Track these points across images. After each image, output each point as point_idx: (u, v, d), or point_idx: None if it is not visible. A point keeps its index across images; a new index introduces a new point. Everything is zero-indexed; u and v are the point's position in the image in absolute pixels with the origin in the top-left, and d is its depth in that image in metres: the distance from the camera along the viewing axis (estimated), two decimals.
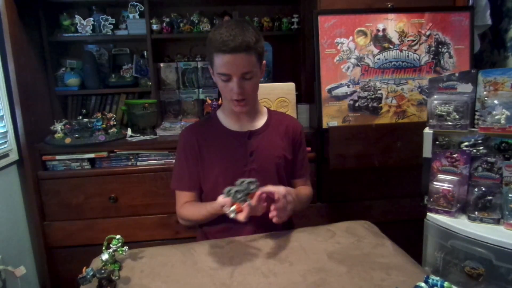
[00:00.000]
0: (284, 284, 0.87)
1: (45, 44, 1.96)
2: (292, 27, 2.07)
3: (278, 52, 2.21)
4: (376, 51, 1.74)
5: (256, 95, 1.20)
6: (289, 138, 1.23)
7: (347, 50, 1.73)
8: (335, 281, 0.87)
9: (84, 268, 0.87)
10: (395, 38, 1.74)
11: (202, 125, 1.24)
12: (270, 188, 1.01)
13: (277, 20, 2.09)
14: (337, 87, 1.74)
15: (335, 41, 1.72)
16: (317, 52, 1.71)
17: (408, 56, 1.75)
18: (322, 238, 1.09)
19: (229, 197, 0.96)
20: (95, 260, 1.00)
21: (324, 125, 1.74)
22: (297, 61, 2.18)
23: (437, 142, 1.16)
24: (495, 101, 1.03)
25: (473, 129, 1.10)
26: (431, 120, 1.18)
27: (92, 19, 1.96)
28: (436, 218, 1.10)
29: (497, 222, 1.01)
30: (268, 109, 1.28)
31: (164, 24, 2.01)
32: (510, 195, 0.99)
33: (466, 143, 1.10)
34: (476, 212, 1.04)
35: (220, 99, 2.03)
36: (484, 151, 1.07)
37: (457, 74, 1.14)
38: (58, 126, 1.81)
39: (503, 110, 1.01)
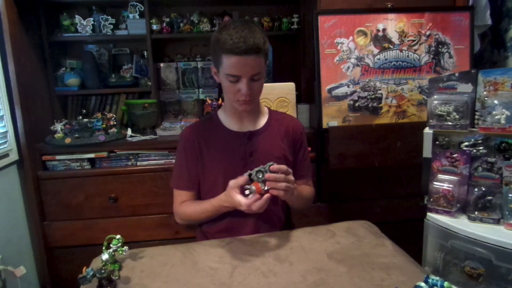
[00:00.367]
0: (284, 284, 0.87)
1: (45, 44, 1.96)
2: (292, 27, 2.07)
3: (278, 52, 2.21)
4: (376, 51, 1.74)
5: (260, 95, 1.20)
6: (289, 139, 1.23)
7: (347, 50, 1.73)
8: (335, 281, 0.87)
9: (84, 268, 0.87)
10: (395, 38, 1.74)
11: (203, 125, 1.24)
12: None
13: (277, 20, 2.09)
14: (337, 87, 1.74)
15: (335, 41, 1.72)
16: (317, 52, 1.71)
17: (408, 56, 1.75)
18: (322, 238, 1.09)
19: (250, 180, 0.99)
20: (95, 260, 1.00)
21: (324, 125, 1.74)
22: (297, 61, 2.19)
23: (437, 142, 1.16)
24: (495, 101, 1.03)
25: (473, 129, 1.10)
26: (431, 120, 1.18)
27: (92, 19, 1.96)
28: (436, 218, 1.10)
29: (497, 222, 1.01)
30: (269, 109, 1.27)
31: (164, 24, 2.01)
32: (510, 195, 0.99)
33: (466, 143, 1.10)
34: (476, 212, 1.04)
35: (220, 99, 2.03)
36: (484, 151, 1.06)
37: (457, 74, 1.14)
38: (58, 126, 1.81)
39: (503, 110, 1.01)
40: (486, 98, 1.06)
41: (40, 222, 1.78)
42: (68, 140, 1.75)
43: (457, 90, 1.14)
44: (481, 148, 1.07)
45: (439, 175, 1.12)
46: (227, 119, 1.20)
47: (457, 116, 1.12)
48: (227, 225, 1.17)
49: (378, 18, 1.73)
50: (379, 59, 1.74)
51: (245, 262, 0.97)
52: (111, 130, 1.87)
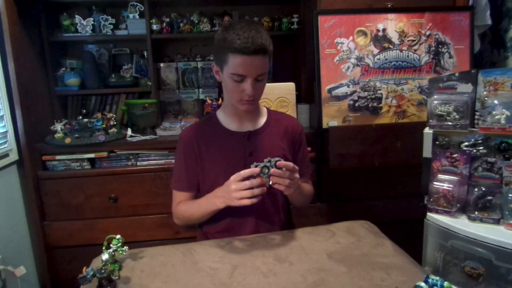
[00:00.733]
0: (284, 284, 0.87)
1: (45, 44, 1.96)
2: (292, 27, 2.07)
3: (278, 52, 2.19)
4: (376, 51, 1.74)
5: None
6: (289, 138, 1.23)
7: (347, 50, 1.73)
8: (335, 281, 0.87)
9: (84, 268, 0.87)
10: (395, 38, 1.74)
11: (202, 126, 1.24)
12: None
13: (277, 20, 2.09)
14: (337, 87, 1.74)
15: (335, 41, 1.72)
16: (317, 52, 1.71)
17: (408, 56, 1.75)
18: (322, 238, 1.09)
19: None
20: (95, 260, 1.00)
21: (324, 125, 1.74)
22: (297, 61, 2.19)
23: (437, 142, 1.16)
24: (495, 101, 1.03)
25: (473, 129, 1.10)
26: (431, 120, 1.18)
27: (92, 19, 1.96)
28: (436, 218, 1.10)
29: (497, 222, 1.01)
30: (268, 109, 1.28)
31: (164, 24, 2.01)
32: (510, 195, 0.99)
33: (466, 143, 1.10)
34: (476, 212, 1.04)
35: (220, 99, 2.03)
36: (484, 151, 1.06)
37: (457, 74, 1.14)
38: (58, 126, 1.81)
39: (503, 110, 1.01)
40: (486, 98, 1.06)
41: (40, 222, 1.78)
42: (68, 140, 1.75)
43: (457, 90, 1.14)
44: (481, 148, 1.07)
45: (439, 175, 1.12)
46: (226, 119, 1.20)
47: (457, 116, 1.12)
48: (227, 225, 1.17)
49: (378, 18, 1.73)
50: (379, 59, 1.74)
51: (245, 262, 0.97)
52: (111, 130, 1.87)
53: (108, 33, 1.97)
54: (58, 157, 1.78)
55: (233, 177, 1.02)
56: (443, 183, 1.10)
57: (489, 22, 1.81)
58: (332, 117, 1.75)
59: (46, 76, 1.99)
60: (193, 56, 2.22)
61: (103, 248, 0.92)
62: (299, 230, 1.15)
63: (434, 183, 1.12)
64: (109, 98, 2.13)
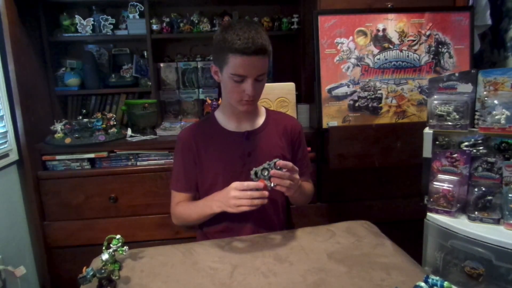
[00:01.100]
0: (284, 284, 0.87)
1: (45, 44, 1.96)
2: (292, 27, 2.07)
3: (278, 52, 2.20)
4: (376, 51, 1.74)
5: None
6: (288, 138, 1.23)
7: (347, 50, 1.73)
8: (335, 281, 0.87)
9: (84, 268, 0.87)
10: (395, 38, 1.74)
11: (200, 126, 1.24)
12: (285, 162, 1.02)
13: (277, 20, 2.09)
14: (337, 87, 1.74)
15: (335, 41, 1.72)
16: (317, 52, 1.71)
17: (408, 56, 1.75)
18: (322, 238, 1.09)
19: (256, 177, 1.00)
20: (95, 260, 1.00)
21: (324, 125, 1.74)
22: (297, 61, 2.18)
23: (437, 142, 1.16)
24: (495, 101, 1.03)
25: (473, 129, 1.10)
26: (431, 120, 1.18)
27: (92, 19, 1.96)
28: (436, 218, 1.10)
29: (497, 222, 1.01)
30: (266, 109, 1.28)
31: (164, 24, 2.01)
32: (510, 195, 0.99)
33: (466, 143, 1.10)
34: (476, 212, 1.04)
35: (220, 99, 2.03)
36: (484, 151, 1.06)
37: (457, 74, 1.14)
38: (58, 126, 1.81)
39: (503, 110, 1.01)
40: (486, 98, 1.06)
41: (40, 222, 1.78)
42: (68, 140, 1.75)
43: (457, 90, 1.14)
44: (481, 148, 1.07)
45: (439, 175, 1.12)
46: (224, 120, 1.20)
47: (457, 116, 1.12)
48: (227, 225, 1.17)
49: (378, 18, 1.73)
50: (379, 59, 1.74)
51: (245, 262, 0.97)
52: (111, 130, 1.87)
53: (108, 33, 1.97)
54: (58, 157, 1.78)
55: (235, 185, 1.01)
56: (443, 183, 1.10)
57: (489, 22, 1.81)
58: (332, 117, 1.75)
59: (46, 76, 1.99)
60: (193, 56, 2.22)
61: (103, 248, 0.92)
62: (299, 230, 1.15)
63: (434, 183, 1.12)
64: (109, 98, 2.13)
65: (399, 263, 0.94)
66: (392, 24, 1.74)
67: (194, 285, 0.88)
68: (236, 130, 1.19)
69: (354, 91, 1.74)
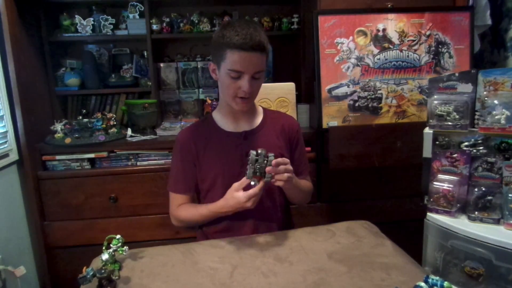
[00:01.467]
0: (284, 284, 0.87)
1: (45, 44, 1.96)
2: (292, 27, 2.07)
3: (278, 52, 2.21)
4: (376, 51, 1.74)
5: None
6: (285, 137, 1.23)
7: (347, 50, 1.73)
8: (335, 281, 0.87)
9: (84, 268, 0.87)
10: (395, 38, 1.74)
11: (198, 127, 1.24)
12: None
13: (277, 20, 2.09)
14: (337, 87, 1.74)
15: (335, 41, 1.72)
16: (317, 52, 1.71)
17: (408, 56, 1.75)
18: (322, 238, 1.09)
19: (251, 180, 1.03)
20: (95, 260, 1.00)
21: (324, 125, 1.74)
22: (297, 61, 2.18)
23: (437, 142, 1.16)
24: (495, 101, 1.03)
25: (473, 129, 1.10)
26: (431, 120, 1.18)
27: (92, 19, 1.96)
28: (436, 218, 1.10)
29: (497, 222, 1.01)
30: (264, 109, 1.28)
31: (164, 24, 2.01)
32: (510, 195, 0.99)
33: (466, 143, 1.10)
34: (476, 212, 1.04)
35: None
36: (484, 151, 1.06)
37: (457, 74, 1.14)
38: (58, 126, 1.81)
39: (503, 110, 1.01)
40: (486, 98, 1.06)
41: (40, 222, 1.78)
42: (68, 140, 1.75)
43: (457, 90, 1.14)
44: (481, 148, 1.07)
45: (439, 175, 1.12)
46: (222, 120, 1.21)
47: (457, 116, 1.12)
48: (226, 225, 1.17)
49: (378, 18, 1.73)
50: (379, 59, 1.74)
51: (245, 262, 0.97)
52: (111, 130, 1.87)
53: (108, 33, 1.97)
54: (58, 157, 1.78)
55: (235, 187, 1.06)
56: (443, 183, 1.10)
57: (489, 22, 1.81)
58: (332, 117, 1.75)
59: (46, 76, 1.99)
60: (193, 56, 2.22)
61: (103, 248, 0.92)
62: (299, 230, 1.15)
63: (434, 183, 1.12)
64: (109, 98, 2.13)
65: (399, 263, 0.94)
66: (392, 24, 1.74)
67: (194, 285, 0.88)
68: (234, 130, 1.19)
69: (354, 91, 1.74)
